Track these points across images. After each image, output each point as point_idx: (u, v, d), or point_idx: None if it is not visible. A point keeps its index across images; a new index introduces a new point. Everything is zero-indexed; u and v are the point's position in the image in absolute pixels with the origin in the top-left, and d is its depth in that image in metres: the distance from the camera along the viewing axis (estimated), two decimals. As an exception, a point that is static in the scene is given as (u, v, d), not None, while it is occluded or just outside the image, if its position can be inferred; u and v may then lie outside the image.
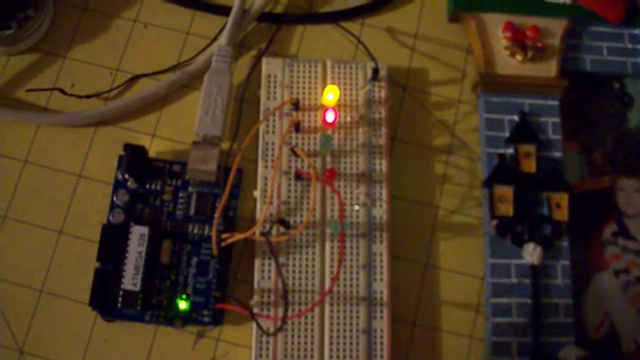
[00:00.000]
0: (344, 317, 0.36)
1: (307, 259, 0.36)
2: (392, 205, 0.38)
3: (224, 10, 0.42)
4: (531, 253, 0.37)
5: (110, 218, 0.37)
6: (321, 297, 0.35)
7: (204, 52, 0.41)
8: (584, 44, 0.42)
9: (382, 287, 0.36)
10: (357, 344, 0.35)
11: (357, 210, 0.37)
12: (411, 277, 0.38)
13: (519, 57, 0.40)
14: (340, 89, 0.38)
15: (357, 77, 0.39)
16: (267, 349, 0.35)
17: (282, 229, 0.36)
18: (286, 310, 0.34)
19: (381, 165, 0.38)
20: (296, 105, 0.38)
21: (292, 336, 0.35)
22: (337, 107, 0.38)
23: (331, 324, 0.35)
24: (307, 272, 0.36)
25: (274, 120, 0.38)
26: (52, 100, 0.41)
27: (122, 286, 0.35)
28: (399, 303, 0.38)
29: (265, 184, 0.37)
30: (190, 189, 0.38)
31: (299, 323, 0.35)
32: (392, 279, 0.37)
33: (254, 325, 0.35)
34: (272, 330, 0.35)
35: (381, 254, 0.37)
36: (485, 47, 0.41)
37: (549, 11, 0.42)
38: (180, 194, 0.38)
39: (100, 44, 0.42)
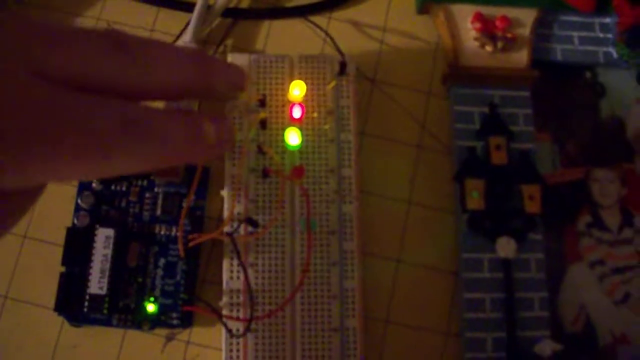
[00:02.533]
0: (315, 316, 0.35)
1: (276, 258, 0.36)
2: (362, 201, 0.37)
3: (188, 6, 0.41)
4: (504, 247, 0.37)
5: (75, 221, 0.37)
6: (290, 295, 0.35)
7: (170, 49, 0.41)
8: (555, 33, 0.42)
9: (353, 285, 0.36)
10: (330, 342, 0.35)
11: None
12: (383, 274, 0.38)
13: (488, 48, 0.40)
14: (307, 84, 0.38)
15: (324, 72, 0.39)
16: (238, 350, 0.34)
17: (250, 228, 0.36)
18: (252, 310, 0.33)
19: (350, 160, 0.37)
20: (262, 102, 0.37)
21: (263, 337, 0.35)
22: (305, 103, 0.38)
23: (302, 323, 0.35)
24: (276, 271, 0.35)
25: (240, 118, 0.38)
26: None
27: (88, 290, 0.35)
28: (371, 300, 0.37)
29: (233, 182, 0.37)
30: (156, 189, 0.37)
31: (270, 323, 0.35)
32: (363, 276, 0.36)
33: (223, 327, 0.34)
34: (240, 331, 0.34)
35: (352, 251, 0.36)
36: (455, 39, 0.40)
37: (519, 1, 0.41)
38: (147, 195, 0.37)
39: (64, 44, 0.41)
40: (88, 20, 0.42)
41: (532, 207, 0.38)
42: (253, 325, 0.34)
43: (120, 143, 0.19)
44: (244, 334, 0.34)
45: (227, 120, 0.24)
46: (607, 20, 0.42)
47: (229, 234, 0.34)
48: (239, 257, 0.35)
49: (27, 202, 0.20)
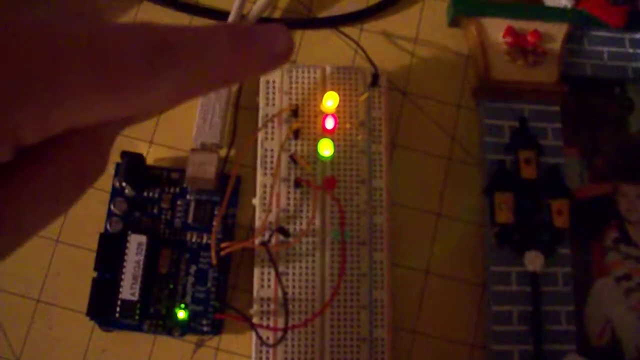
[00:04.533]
0: (345, 326, 0.35)
1: (307, 268, 0.36)
2: (392, 212, 0.38)
3: (222, 15, 0.41)
4: (532, 260, 0.37)
5: (108, 226, 0.37)
6: (321, 308, 0.35)
7: (202, 57, 0.41)
8: (585, 48, 0.42)
9: (382, 295, 0.36)
10: (358, 352, 0.35)
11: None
12: (412, 285, 0.38)
13: (519, 62, 0.40)
14: (339, 95, 0.38)
15: (356, 83, 0.39)
16: (267, 358, 0.35)
17: (281, 237, 0.36)
18: (287, 320, 0.34)
19: (381, 171, 0.38)
20: (295, 112, 0.38)
21: (292, 345, 0.35)
22: (337, 114, 0.38)
23: (332, 332, 0.35)
24: (307, 280, 0.36)
25: (272, 127, 0.38)
26: (48, 106, 0.40)
27: (120, 296, 0.35)
28: (399, 311, 0.37)
29: (265, 192, 0.37)
30: (188, 196, 0.38)
31: (299, 332, 0.35)
32: (392, 286, 0.36)
33: (254, 335, 0.35)
34: (272, 340, 0.35)
35: (382, 262, 0.36)
36: (486, 52, 0.40)
37: (550, 16, 0.41)
38: (179, 202, 0.38)
39: (97, 50, 0.42)
40: (122, 27, 0.42)
41: (560, 221, 0.38)
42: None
43: (148, 72, 0.16)
44: (277, 343, 0.34)
45: (280, 29, 0.21)
46: (637, 36, 0.42)
47: (264, 244, 0.35)
48: (275, 268, 0.35)
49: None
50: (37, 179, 0.17)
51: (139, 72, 0.16)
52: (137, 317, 0.35)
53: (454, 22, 0.42)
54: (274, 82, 0.39)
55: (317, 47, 0.42)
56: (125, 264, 0.35)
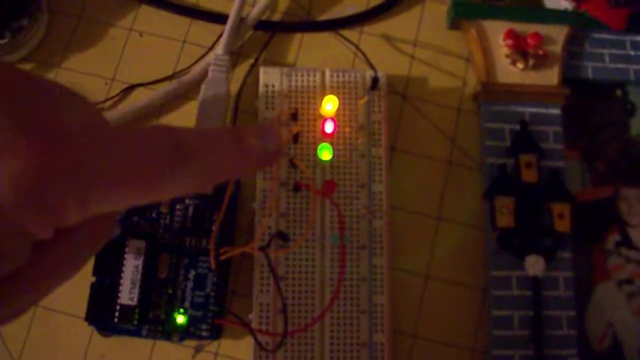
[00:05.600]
0: (344, 331, 0.35)
1: (306, 272, 0.36)
2: (392, 216, 0.37)
3: (221, 19, 0.41)
4: (533, 265, 0.37)
5: (106, 231, 0.37)
6: (321, 313, 0.35)
7: (201, 61, 0.41)
8: (586, 51, 0.42)
9: (382, 300, 0.36)
10: (358, 357, 0.35)
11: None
12: (412, 289, 0.38)
13: (520, 65, 0.40)
14: (339, 99, 0.38)
15: (356, 86, 0.39)
16: (267, 363, 0.35)
17: (280, 242, 0.36)
18: (286, 326, 0.33)
19: (381, 175, 0.37)
20: (294, 116, 0.38)
21: (292, 350, 0.35)
22: (336, 117, 0.38)
23: (331, 337, 0.35)
24: (306, 285, 0.36)
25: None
26: (47, 110, 0.40)
27: (119, 301, 0.35)
28: (399, 315, 0.37)
29: (264, 196, 0.37)
30: (187, 201, 0.38)
31: (299, 337, 0.35)
32: (392, 291, 0.36)
33: (253, 340, 0.34)
34: (271, 346, 0.34)
35: (381, 266, 0.36)
36: (486, 55, 0.40)
37: (551, 18, 0.41)
38: (178, 207, 0.37)
39: (95, 53, 0.42)
40: (120, 30, 0.42)
41: (562, 225, 0.38)
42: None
43: (168, 170, 0.20)
44: (276, 349, 0.34)
45: (273, 131, 0.24)
46: (638, 37, 0.42)
47: (263, 249, 0.34)
48: (274, 274, 0.35)
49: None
50: (60, 248, 0.20)
51: (163, 170, 0.20)
52: (135, 322, 0.35)
53: (454, 25, 0.42)
54: (273, 85, 0.38)
55: (316, 50, 0.42)
56: (124, 268, 0.35)
